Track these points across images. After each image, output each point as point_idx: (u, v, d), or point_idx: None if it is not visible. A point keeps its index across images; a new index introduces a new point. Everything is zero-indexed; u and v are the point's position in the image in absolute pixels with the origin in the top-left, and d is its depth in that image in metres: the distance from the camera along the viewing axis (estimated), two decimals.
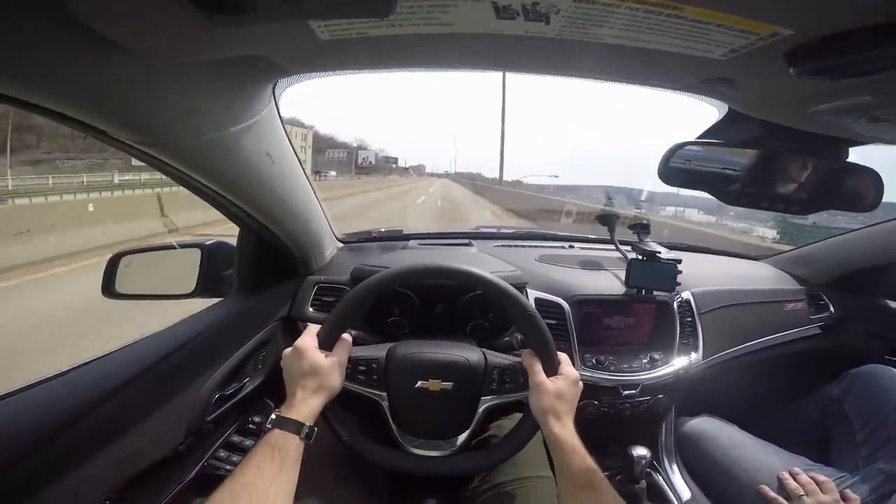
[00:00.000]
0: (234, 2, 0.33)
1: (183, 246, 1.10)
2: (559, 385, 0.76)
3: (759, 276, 1.59)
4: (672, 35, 0.44)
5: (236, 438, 1.04)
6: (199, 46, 0.43)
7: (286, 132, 0.81)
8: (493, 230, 1.80)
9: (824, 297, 1.57)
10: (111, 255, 1.04)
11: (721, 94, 0.62)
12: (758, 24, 0.40)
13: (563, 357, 0.81)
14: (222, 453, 0.99)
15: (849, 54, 0.42)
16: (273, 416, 0.68)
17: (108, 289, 1.02)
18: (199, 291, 1.06)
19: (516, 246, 1.52)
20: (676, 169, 0.75)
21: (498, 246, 1.49)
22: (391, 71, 0.58)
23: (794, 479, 1.01)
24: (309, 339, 0.76)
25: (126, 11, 0.35)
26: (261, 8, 0.33)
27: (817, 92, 0.55)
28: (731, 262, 1.70)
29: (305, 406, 0.70)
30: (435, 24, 0.43)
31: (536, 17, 0.42)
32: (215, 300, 1.08)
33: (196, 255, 1.07)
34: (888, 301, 1.55)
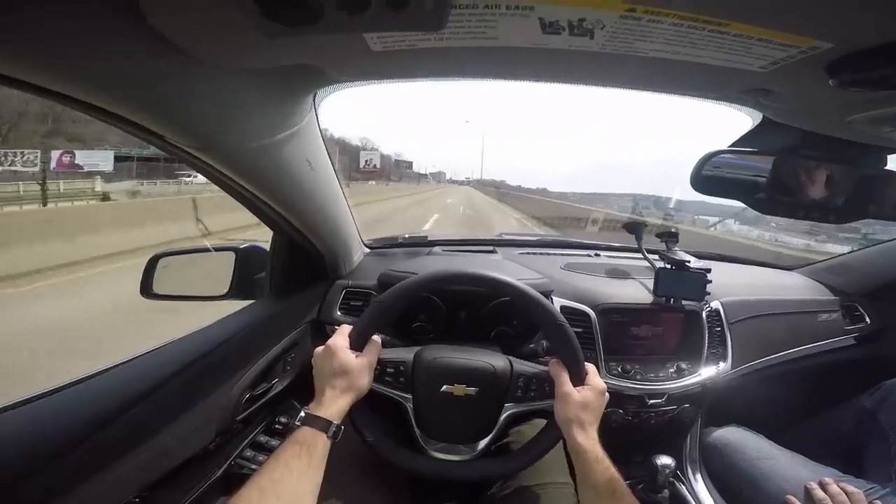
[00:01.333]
0: (301, 14, 0.34)
1: (218, 249, 1.13)
2: (586, 395, 0.76)
3: (791, 286, 1.56)
4: (714, 49, 0.44)
5: (263, 438, 1.06)
6: (258, 54, 0.46)
7: (324, 140, 0.83)
8: (518, 237, 1.80)
9: (860, 308, 1.53)
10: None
11: (757, 103, 0.62)
12: (799, 37, 0.40)
13: (590, 367, 0.81)
14: (248, 452, 1.01)
15: (887, 66, 0.42)
16: (302, 413, 0.69)
17: (146, 289, 1.06)
18: (232, 294, 1.09)
19: (541, 254, 1.52)
20: (709, 177, 0.75)
21: (523, 253, 1.49)
22: (435, 80, 0.59)
23: (823, 490, 0.99)
24: (341, 339, 0.77)
25: (196, 18, 0.37)
26: (326, 20, 0.35)
27: (855, 101, 0.55)
28: (763, 272, 1.66)
29: (334, 405, 0.70)
30: (482, 37, 0.45)
31: (581, 33, 0.43)
32: (248, 302, 1.11)
33: (230, 258, 1.10)
34: None
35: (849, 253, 1.64)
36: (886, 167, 0.76)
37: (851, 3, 0.36)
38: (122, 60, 0.41)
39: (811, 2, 0.36)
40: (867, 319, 1.53)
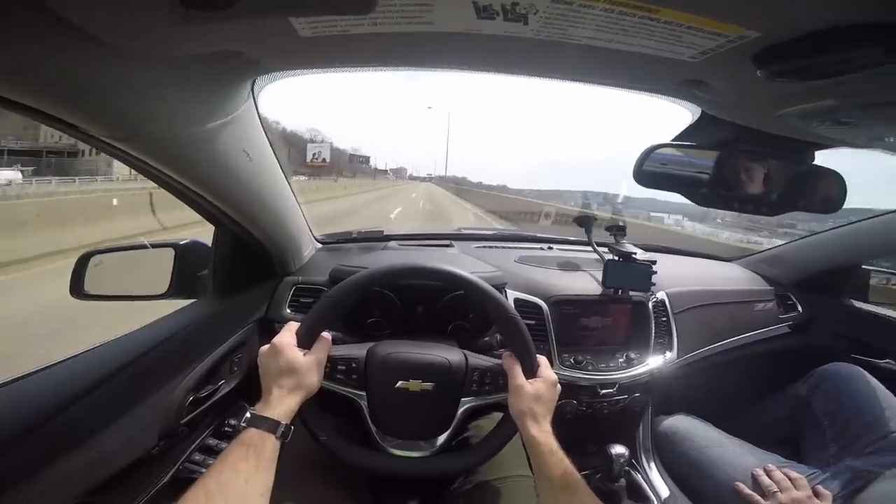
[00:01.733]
0: None
1: (155, 246, 1.07)
2: (538, 388, 0.77)
3: (731, 277, 1.64)
4: (644, 37, 0.45)
5: (212, 442, 1.02)
6: (176, 40, 0.43)
7: (265, 130, 0.80)
8: (474, 231, 1.81)
9: (793, 298, 1.62)
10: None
11: (694, 96, 0.64)
12: (727, 26, 0.41)
13: (542, 360, 0.81)
14: (197, 457, 0.97)
15: (813, 57, 0.43)
16: (248, 414, 0.67)
17: (77, 289, 0.99)
18: (172, 293, 1.04)
19: (496, 247, 1.53)
20: (651, 171, 0.77)
21: (478, 247, 1.50)
22: (372, 69, 0.58)
23: (769, 476, 1.04)
24: (287, 336, 0.74)
25: (103, 3, 0.35)
26: (241, 3, 0.33)
27: (785, 95, 0.57)
28: (705, 263, 1.74)
29: (282, 405, 0.68)
30: (416, 22, 0.44)
31: (515, 18, 0.42)
32: (189, 301, 1.06)
33: (169, 255, 1.04)
34: (853, 301, 1.60)
35: (783, 245, 1.73)
36: (814, 162, 0.81)
37: None
38: (18, 46, 0.38)
39: None
40: (799, 308, 1.62)
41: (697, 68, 0.51)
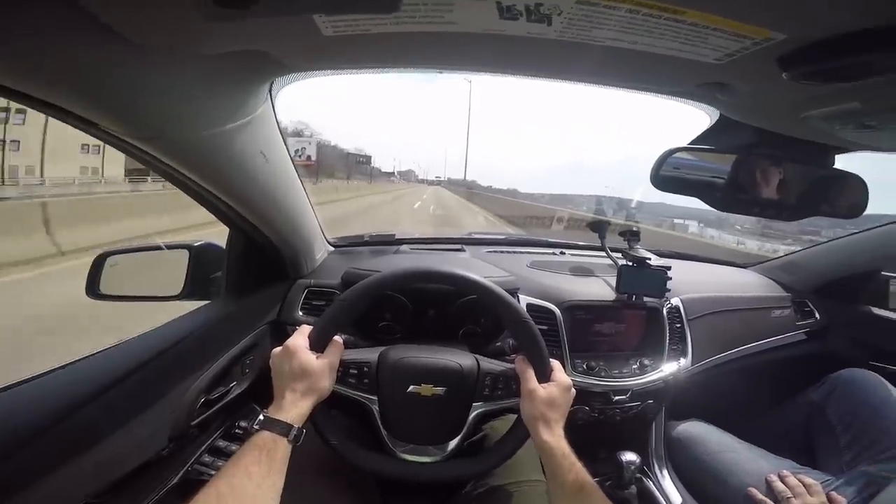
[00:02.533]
0: None
1: (170, 247, 1.08)
2: (551, 392, 0.76)
3: (746, 284, 1.62)
4: (669, 38, 0.45)
5: (222, 443, 1.02)
6: (200, 38, 0.43)
7: (281, 132, 0.80)
8: (486, 236, 1.80)
9: (810, 304, 1.60)
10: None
11: (714, 99, 0.63)
12: (753, 28, 0.41)
13: (555, 364, 0.81)
14: (207, 458, 0.97)
15: (839, 59, 0.43)
16: (261, 417, 0.67)
17: (93, 289, 1.00)
18: (186, 294, 1.04)
19: (508, 252, 1.53)
20: (668, 176, 0.76)
21: (490, 252, 1.50)
22: (393, 70, 0.58)
23: (783, 482, 1.02)
24: (300, 339, 0.74)
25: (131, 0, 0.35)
26: (265, 0, 0.33)
27: (808, 98, 0.56)
28: (720, 270, 1.72)
29: (295, 408, 0.68)
30: (438, 22, 0.43)
31: (539, 19, 0.42)
32: (203, 303, 1.06)
33: (184, 256, 1.05)
34: (872, 308, 1.58)
35: (799, 251, 1.71)
36: (835, 166, 0.79)
37: None
38: (48, 46, 0.38)
39: None
40: (817, 315, 1.60)
41: (720, 70, 0.51)
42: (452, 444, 0.83)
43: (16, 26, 0.34)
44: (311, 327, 0.77)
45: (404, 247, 1.48)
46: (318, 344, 0.75)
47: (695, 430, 1.31)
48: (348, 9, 0.39)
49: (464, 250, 1.48)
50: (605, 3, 0.39)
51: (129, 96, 0.49)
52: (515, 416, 0.83)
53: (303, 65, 0.59)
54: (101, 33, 0.38)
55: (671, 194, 0.80)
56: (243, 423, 1.07)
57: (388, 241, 1.52)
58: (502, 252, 1.52)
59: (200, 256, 1.06)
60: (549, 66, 0.58)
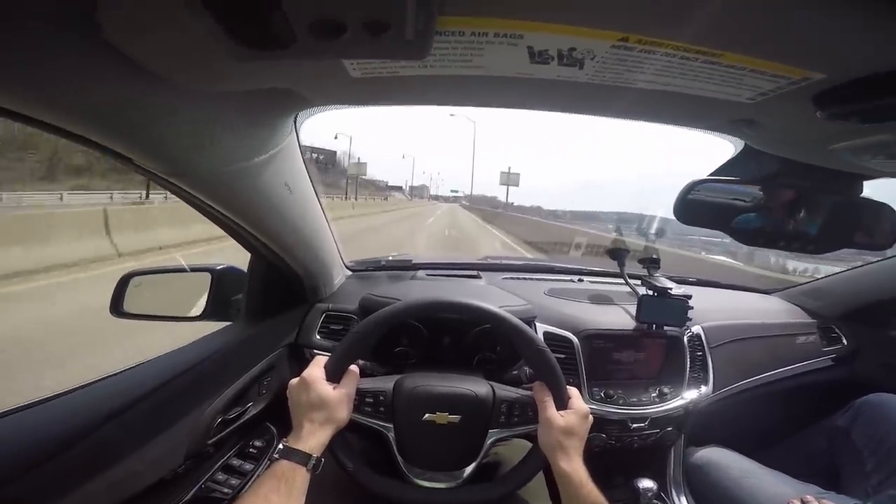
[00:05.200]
0: (270, 38, 0.33)
1: (194, 269, 1.10)
2: (569, 420, 0.76)
3: (770, 310, 1.59)
4: (704, 80, 0.44)
5: (235, 462, 1.02)
6: (230, 77, 0.44)
7: (304, 162, 0.81)
8: (502, 262, 1.80)
9: (836, 330, 1.57)
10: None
11: (741, 132, 0.62)
12: (790, 68, 0.40)
13: (573, 392, 0.81)
14: (220, 476, 0.97)
15: (877, 98, 0.42)
16: (281, 446, 0.68)
17: (117, 308, 1.02)
18: (207, 315, 1.06)
19: (525, 278, 1.52)
20: (692, 208, 0.75)
21: (506, 278, 1.49)
22: (417, 105, 0.58)
23: None
24: (317, 370, 0.76)
25: (161, 39, 0.36)
26: (298, 45, 0.34)
27: (838, 132, 0.55)
28: (742, 296, 1.69)
29: (313, 438, 0.69)
30: (467, 66, 0.44)
31: (571, 63, 0.42)
32: (223, 324, 1.07)
33: (206, 279, 1.07)
34: None
35: (825, 277, 1.68)
36: (862, 195, 0.77)
37: (849, 34, 0.35)
38: (85, 83, 0.39)
39: (810, 32, 0.36)
40: (844, 341, 1.56)
41: (752, 108, 0.50)
42: (468, 470, 0.84)
43: (45, 60, 0.35)
44: (327, 358, 0.78)
45: (421, 272, 1.48)
46: (335, 374, 0.76)
47: (715, 455, 1.28)
48: (377, 55, 0.40)
49: (480, 277, 1.47)
50: (642, 47, 0.39)
51: (157, 133, 0.50)
52: (528, 442, 0.83)
53: (329, 102, 0.60)
54: (130, 69, 0.38)
55: None
56: (258, 443, 1.08)
57: (405, 267, 1.53)
58: (519, 279, 1.51)
59: (222, 279, 1.08)
60: (578, 105, 0.58)
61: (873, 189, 0.78)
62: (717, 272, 4.18)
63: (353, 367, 0.79)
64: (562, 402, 0.78)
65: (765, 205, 0.75)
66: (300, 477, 0.65)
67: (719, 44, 0.38)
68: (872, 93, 0.41)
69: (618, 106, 0.56)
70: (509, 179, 44.58)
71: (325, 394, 0.73)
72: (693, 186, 0.74)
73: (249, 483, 0.94)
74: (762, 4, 0.33)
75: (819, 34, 0.36)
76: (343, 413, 0.74)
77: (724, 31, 0.37)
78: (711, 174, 0.78)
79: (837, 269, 1.69)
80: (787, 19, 0.34)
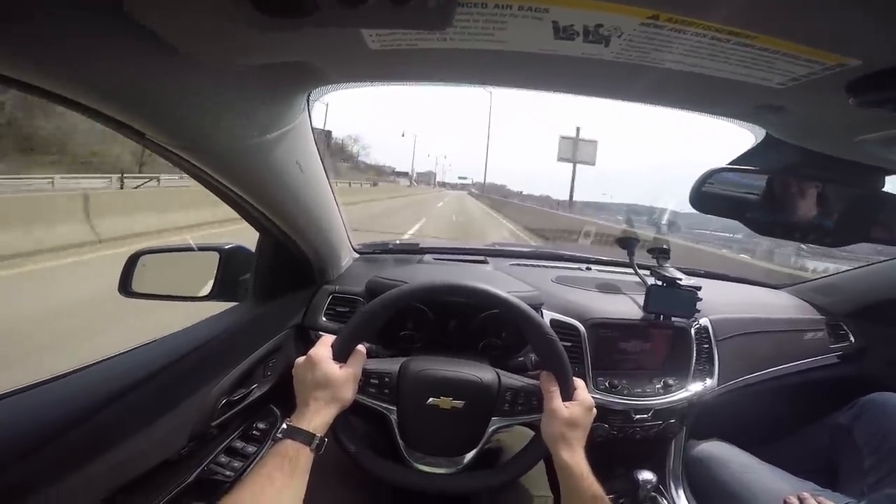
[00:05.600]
0: (295, 4, 0.32)
1: (202, 248, 1.09)
2: (574, 411, 0.76)
3: (778, 305, 1.58)
4: (735, 62, 0.43)
5: (238, 444, 1.03)
6: (246, 49, 0.43)
7: (316, 141, 0.80)
8: (510, 248, 1.79)
9: (845, 327, 1.56)
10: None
11: (765, 120, 0.61)
12: (826, 53, 0.39)
13: (578, 383, 0.80)
14: (223, 458, 0.98)
15: None
16: (284, 425, 0.68)
17: (125, 287, 1.02)
18: (215, 295, 1.06)
19: (533, 265, 1.51)
20: (709, 196, 0.74)
21: (514, 265, 1.48)
22: (435, 84, 0.57)
23: None
24: (323, 349, 0.75)
25: (181, 9, 0.35)
26: (320, 13, 0.33)
27: (866, 122, 0.54)
28: (751, 290, 1.68)
29: (318, 417, 0.69)
30: (488, 40, 0.43)
31: (596, 39, 0.41)
32: (230, 304, 1.07)
33: (214, 258, 1.07)
34: None
35: (835, 274, 1.66)
36: (884, 189, 0.76)
37: (888, 21, 0.34)
38: (102, 56, 0.39)
39: (849, 17, 0.35)
40: (851, 338, 1.55)
41: (781, 94, 0.49)
42: (468, 456, 0.83)
43: (65, 33, 0.35)
44: (334, 337, 0.78)
45: (428, 256, 1.47)
46: (341, 354, 0.76)
47: (715, 450, 1.29)
48: (400, 24, 0.39)
49: (487, 262, 1.47)
50: (672, 26, 0.37)
51: (174, 107, 0.49)
52: (530, 430, 0.84)
53: (346, 77, 0.59)
54: (147, 42, 0.38)
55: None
56: (261, 425, 1.08)
57: (412, 250, 1.53)
58: (526, 265, 1.50)
59: (230, 259, 1.07)
60: (600, 87, 0.57)
61: (893, 185, 0.77)
62: (728, 266, 4.13)
63: (361, 347, 0.78)
64: (567, 394, 0.78)
65: (781, 195, 0.74)
66: (304, 456, 0.65)
67: (753, 25, 0.37)
68: None
69: (640, 88, 0.55)
70: (576, 152, 19.57)
71: (332, 373, 0.72)
72: (710, 175, 0.73)
73: (252, 465, 0.95)
74: None
75: (858, 19, 0.35)
76: (348, 393, 0.74)
77: (759, 13, 0.36)
78: (730, 163, 0.77)
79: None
80: (825, 3, 0.33)
